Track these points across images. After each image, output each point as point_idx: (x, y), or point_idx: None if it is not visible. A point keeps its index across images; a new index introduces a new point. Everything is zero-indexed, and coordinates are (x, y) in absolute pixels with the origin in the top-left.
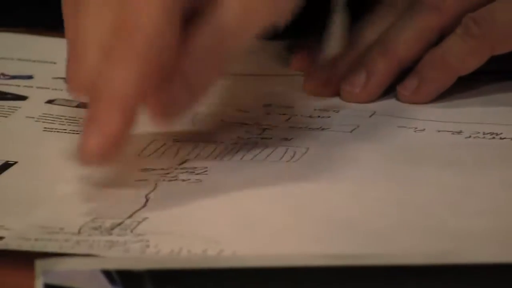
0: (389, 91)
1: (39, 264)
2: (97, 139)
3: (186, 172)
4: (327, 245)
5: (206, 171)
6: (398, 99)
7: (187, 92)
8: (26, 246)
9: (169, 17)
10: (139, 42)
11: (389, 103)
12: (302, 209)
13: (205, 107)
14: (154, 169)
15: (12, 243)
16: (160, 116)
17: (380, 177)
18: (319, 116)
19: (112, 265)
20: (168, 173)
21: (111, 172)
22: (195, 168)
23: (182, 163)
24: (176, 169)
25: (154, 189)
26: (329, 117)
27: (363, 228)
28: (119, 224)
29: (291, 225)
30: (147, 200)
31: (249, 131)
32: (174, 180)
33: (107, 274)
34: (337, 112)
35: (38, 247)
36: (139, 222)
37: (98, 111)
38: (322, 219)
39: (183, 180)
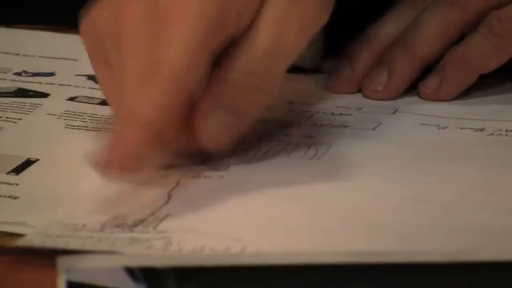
0: (412, 87)
1: (62, 261)
2: (116, 150)
3: (209, 169)
4: (351, 242)
5: (228, 168)
6: (420, 96)
7: (234, 118)
8: (48, 243)
9: (198, 53)
10: (167, 74)
11: (411, 100)
12: (325, 207)
13: None
14: (176, 166)
15: (35, 240)
16: (212, 145)
17: (403, 175)
18: (341, 114)
19: (134, 262)
20: (190, 170)
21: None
22: (218, 165)
23: (205, 160)
24: (198, 166)
25: (176, 186)
26: (352, 114)
27: (387, 226)
28: (142, 221)
29: (314, 223)
30: (169, 197)
31: (271, 128)
32: (197, 177)
33: (130, 271)
34: (359, 109)
35: (61, 244)
36: (162, 219)
37: (122, 128)
38: (345, 217)
39: (206, 177)
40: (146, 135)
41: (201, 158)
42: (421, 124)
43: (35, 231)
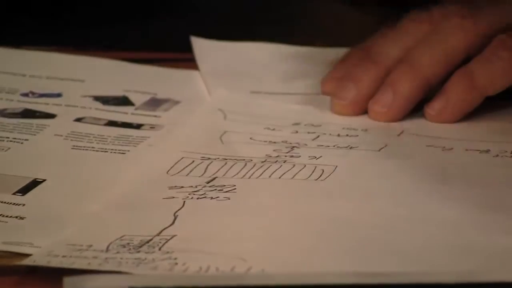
0: (417, 108)
1: (68, 281)
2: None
3: (215, 190)
4: (356, 263)
5: (234, 189)
6: (425, 118)
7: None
8: (54, 262)
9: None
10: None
11: (417, 122)
12: (330, 228)
13: (233, 125)
14: (182, 187)
15: (41, 260)
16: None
17: (409, 196)
18: (347, 135)
19: (140, 282)
20: (196, 191)
21: (140, 190)
22: (224, 186)
23: (211, 180)
24: (204, 186)
25: (182, 206)
26: (357, 135)
27: (392, 247)
28: (148, 241)
29: (319, 244)
30: (175, 218)
31: (277, 150)
32: (203, 198)
33: None
34: (365, 131)
35: (66, 264)
36: (167, 240)
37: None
38: (350, 238)
39: (212, 198)
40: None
41: (207, 180)
42: (427, 145)
43: (41, 251)
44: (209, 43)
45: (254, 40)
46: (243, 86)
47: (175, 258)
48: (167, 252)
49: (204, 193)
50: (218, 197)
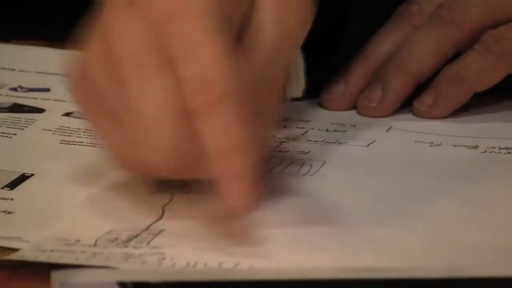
0: (406, 104)
1: (56, 275)
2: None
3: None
4: (345, 258)
5: None
6: (414, 114)
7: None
8: (42, 257)
9: (226, 55)
10: (221, 92)
11: (405, 118)
12: (318, 223)
13: None
14: (170, 181)
15: (29, 255)
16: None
17: (396, 192)
18: (336, 130)
19: (128, 277)
20: (184, 185)
21: (128, 184)
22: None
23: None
24: (192, 182)
25: (170, 201)
26: (346, 131)
27: (380, 242)
28: (135, 236)
29: (307, 238)
30: (163, 212)
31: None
32: (190, 192)
33: (123, 286)
34: (353, 126)
35: (54, 258)
36: (155, 235)
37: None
38: (339, 232)
39: (199, 192)
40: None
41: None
42: (415, 141)
43: (29, 245)
44: None
45: None
46: None
47: (163, 253)
48: (155, 247)
49: (192, 187)
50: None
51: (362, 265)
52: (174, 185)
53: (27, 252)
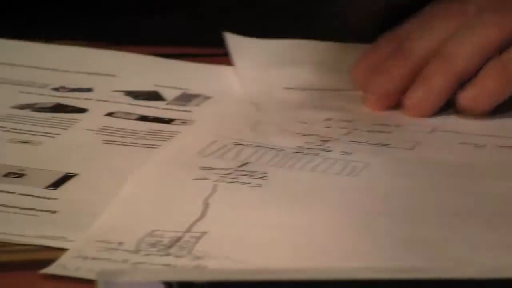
0: (448, 104)
1: (101, 274)
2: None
3: (246, 175)
4: (388, 258)
5: (265, 176)
6: (457, 112)
7: None
8: (84, 269)
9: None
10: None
11: (448, 118)
12: (362, 224)
13: (266, 116)
14: (213, 168)
15: (71, 264)
16: None
17: (442, 195)
18: (379, 131)
19: (173, 277)
20: (228, 174)
21: (171, 168)
22: (255, 172)
23: (242, 165)
24: (236, 170)
25: (213, 192)
26: (389, 132)
27: (424, 243)
28: (178, 239)
29: (350, 240)
30: (206, 207)
31: (309, 142)
32: (234, 182)
33: (168, 285)
34: (397, 127)
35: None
36: (198, 238)
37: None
38: (382, 234)
39: (243, 183)
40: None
41: (239, 164)
42: (459, 143)
43: (70, 252)
44: (243, 39)
45: (284, 36)
46: (276, 82)
47: (205, 266)
48: (197, 258)
49: (236, 177)
50: (249, 183)
51: (408, 265)
52: (218, 172)
53: (68, 261)
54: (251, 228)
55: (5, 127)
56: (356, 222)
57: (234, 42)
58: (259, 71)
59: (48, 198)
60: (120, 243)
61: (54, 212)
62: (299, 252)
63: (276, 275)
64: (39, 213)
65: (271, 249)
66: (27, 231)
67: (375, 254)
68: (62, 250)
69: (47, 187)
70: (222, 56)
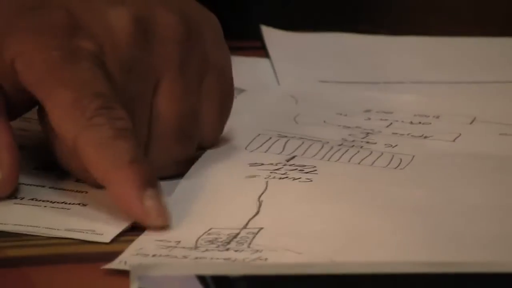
0: (486, 92)
1: (134, 269)
2: None
3: (296, 169)
4: (437, 253)
5: (315, 170)
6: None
7: None
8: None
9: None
10: None
11: (488, 106)
12: (411, 217)
13: (306, 109)
14: (262, 164)
15: (131, 260)
16: None
17: (487, 188)
18: (420, 123)
19: (207, 271)
20: (277, 169)
21: (222, 170)
22: (304, 166)
23: (291, 159)
24: (284, 165)
25: (265, 189)
26: (430, 123)
27: (471, 236)
28: (235, 236)
29: (400, 234)
30: (260, 204)
31: (352, 134)
32: (285, 178)
33: (202, 279)
34: (437, 118)
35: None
36: (255, 234)
37: None
38: (432, 227)
39: (294, 179)
40: None
41: (287, 158)
42: (500, 134)
43: (129, 249)
44: (279, 32)
45: (319, 29)
46: (312, 75)
47: (266, 258)
48: (256, 251)
49: (286, 172)
50: (300, 178)
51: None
52: (267, 168)
53: (129, 258)
54: (305, 222)
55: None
56: (408, 215)
57: (269, 34)
58: (295, 64)
59: (79, 192)
60: (178, 241)
61: (84, 205)
62: (354, 244)
63: (312, 269)
64: (69, 206)
65: (327, 242)
66: (57, 224)
67: (429, 248)
68: (92, 243)
69: (77, 180)
70: (257, 49)
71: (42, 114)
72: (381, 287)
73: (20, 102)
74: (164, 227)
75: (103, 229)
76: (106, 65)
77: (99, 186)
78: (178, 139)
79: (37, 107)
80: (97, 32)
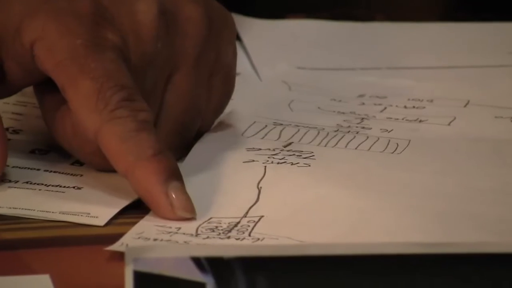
0: (482, 75)
1: (129, 251)
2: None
3: (293, 155)
4: (435, 234)
5: (313, 155)
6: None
7: None
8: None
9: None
10: None
11: (481, 90)
12: (411, 201)
13: (300, 95)
14: (260, 149)
15: (132, 243)
16: None
17: (484, 170)
18: (414, 107)
19: (201, 252)
20: (275, 154)
21: (220, 155)
22: (302, 151)
23: (287, 145)
24: (282, 150)
25: (264, 175)
26: (424, 107)
27: (471, 218)
28: (236, 224)
29: (401, 218)
30: (259, 191)
31: (347, 120)
32: (283, 163)
33: (197, 261)
34: (431, 101)
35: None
36: (256, 222)
37: None
38: (431, 210)
39: (292, 164)
40: None
41: (284, 144)
42: (495, 117)
43: (130, 234)
44: (249, 20)
45: (314, 14)
46: (289, 62)
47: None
48: (258, 239)
49: (284, 157)
50: (298, 163)
51: (454, 240)
52: (265, 153)
53: (130, 240)
54: (306, 209)
55: (35, 103)
56: (408, 200)
57: (241, 22)
58: (270, 51)
59: (74, 175)
60: (178, 228)
61: (79, 188)
62: (356, 231)
63: (305, 250)
64: (63, 189)
65: (328, 229)
66: (51, 207)
67: (428, 230)
68: (87, 226)
69: (73, 163)
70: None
71: (42, 94)
72: (377, 268)
73: (21, 81)
74: (190, 219)
75: (98, 212)
76: (129, 57)
77: (107, 170)
78: (179, 131)
79: (32, 88)
80: (123, 23)
